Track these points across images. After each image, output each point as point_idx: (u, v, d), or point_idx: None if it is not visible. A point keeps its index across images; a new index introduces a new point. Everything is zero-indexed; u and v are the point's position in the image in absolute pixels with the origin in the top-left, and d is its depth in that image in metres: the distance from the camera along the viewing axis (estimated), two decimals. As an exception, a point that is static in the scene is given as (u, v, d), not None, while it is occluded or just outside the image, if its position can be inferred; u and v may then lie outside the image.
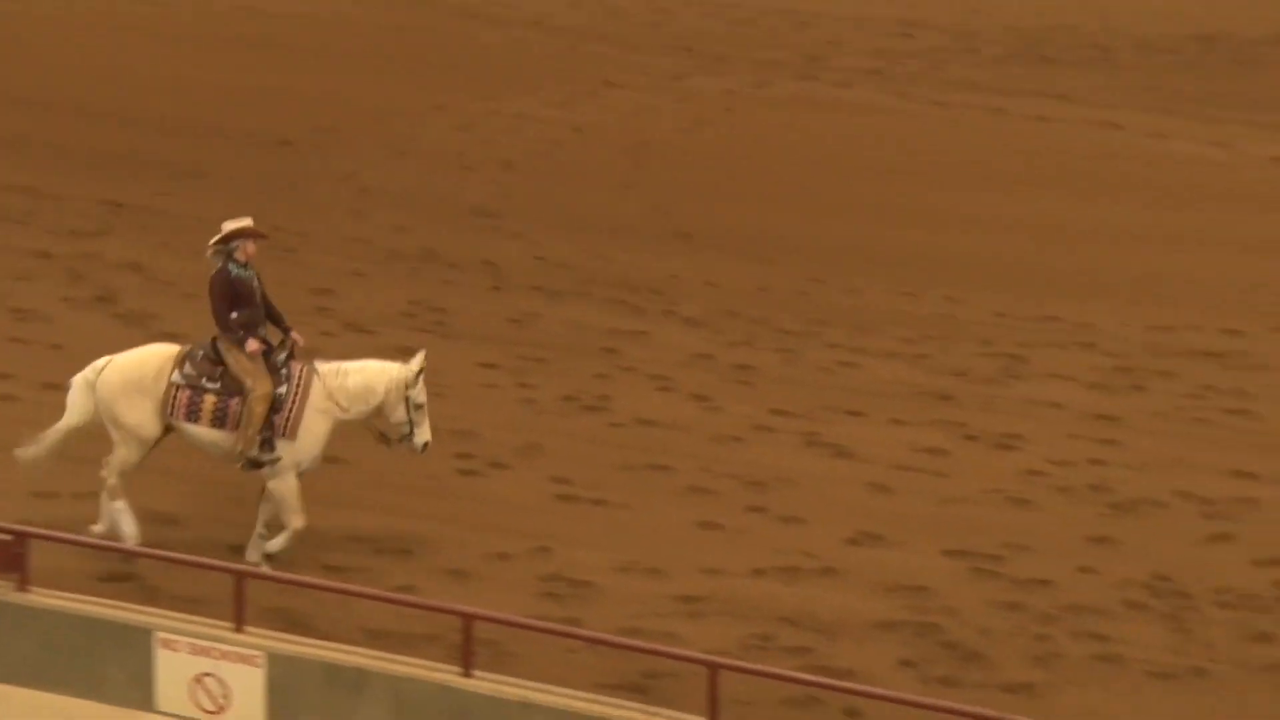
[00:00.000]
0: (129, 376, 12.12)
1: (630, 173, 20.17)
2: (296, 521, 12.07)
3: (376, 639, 11.14)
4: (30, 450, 12.22)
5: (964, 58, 24.09)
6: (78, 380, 12.24)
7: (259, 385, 12.02)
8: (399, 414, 12.12)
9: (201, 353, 12.15)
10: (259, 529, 12.19)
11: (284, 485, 12.08)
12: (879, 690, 10.45)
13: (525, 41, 24.42)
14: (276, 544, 12.10)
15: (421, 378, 12.06)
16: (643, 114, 21.99)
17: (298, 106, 21.43)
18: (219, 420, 12.06)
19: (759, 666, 10.60)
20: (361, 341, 14.91)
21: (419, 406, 12.13)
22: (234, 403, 12.02)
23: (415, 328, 15.85)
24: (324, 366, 12.19)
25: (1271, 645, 11.41)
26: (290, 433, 12.05)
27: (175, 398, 12.08)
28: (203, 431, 12.10)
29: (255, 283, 12.28)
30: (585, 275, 17.35)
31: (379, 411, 12.13)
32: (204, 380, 12.08)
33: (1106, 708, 10.80)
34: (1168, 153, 20.93)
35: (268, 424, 12.01)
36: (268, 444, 12.03)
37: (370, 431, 12.29)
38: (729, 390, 14.89)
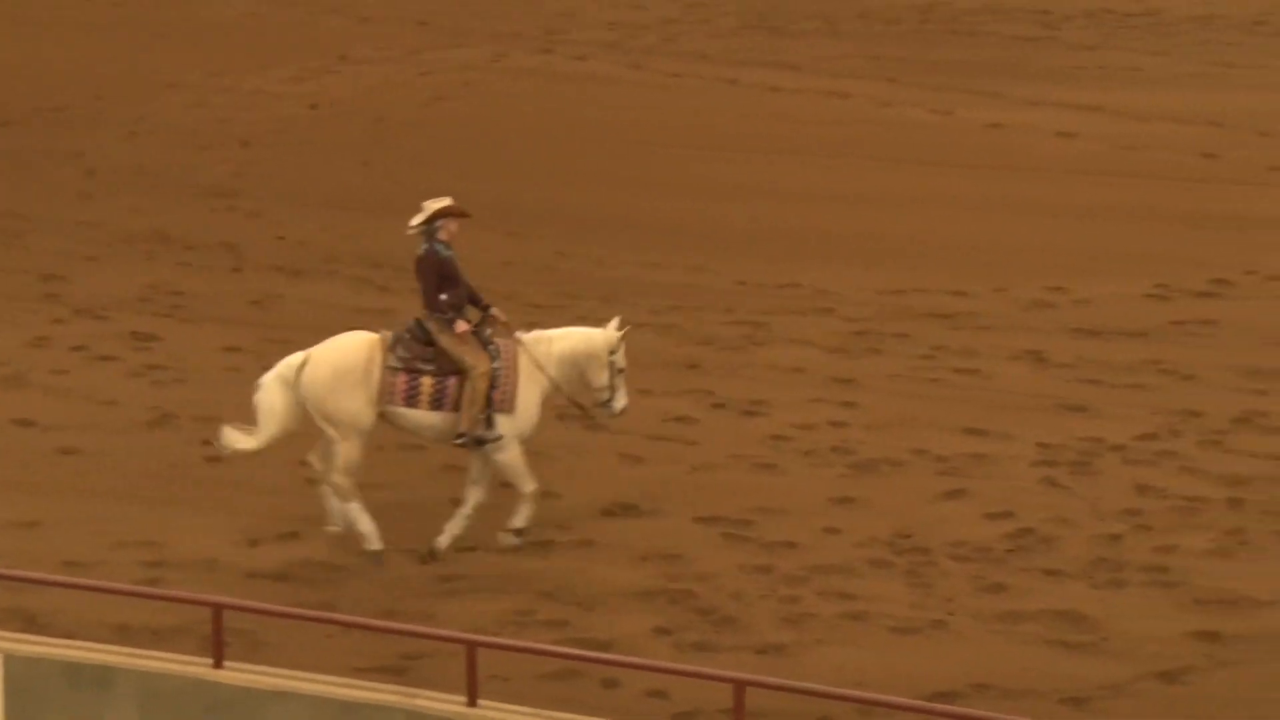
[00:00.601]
0: (339, 368, 11.85)
1: (370, 148, 19.90)
2: (530, 486, 12.08)
3: (124, 635, 10.82)
4: (239, 442, 11.88)
5: (696, 29, 24.21)
6: (270, 381, 11.90)
7: (479, 363, 11.91)
8: (602, 379, 12.17)
9: (409, 335, 11.95)
10: (466, 510, 12.03)
11: (511, 458, 12.04)
12: (634, 660, 10.45)
13: (259, 16, 23.95)
14: (521, 518, 12.09)
15: (623, 342, 12.18)
16: (381, 89, 21.70)
17: (19, 84, 20.74)
18: (438, 402, 11.93)
19: (516, 642, 10.53)
20: (97, 328, 14.54)
21: (620, 371, 12.23)
22: (450, 383, 11.89)
23: (153, 312, 15.47)
24: (527, 337, 12.19)
25: (1004, 595, 11.66)
26: (509, 407, 12.01)
27: (392, 384, 11.85)
28: (421, 415, 11.96)
29: (457, 262, 12.14)
30: (328, 253, 17.08)
31: (583, 377, 12.15)
32: (419, 363, 11.89)
33: (855, 663, 10.95)
34: (893, 119, 21.28)
35: (487, 401, 11.91)
36: (488, 421, 11.92)
37: (568, 399, 12.36)
38: (477, 365, 14.76)
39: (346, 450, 11.88)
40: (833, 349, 15.36)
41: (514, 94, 21.63)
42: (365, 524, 11.91)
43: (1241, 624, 11.35)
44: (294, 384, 11.87)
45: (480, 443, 12.00)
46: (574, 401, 12.43)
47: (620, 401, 12.27)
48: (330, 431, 11.90)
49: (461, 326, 12.00)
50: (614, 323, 12.32)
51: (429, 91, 21.57)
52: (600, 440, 13.54)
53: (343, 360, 11.90)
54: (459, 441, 12.03)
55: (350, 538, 11.95)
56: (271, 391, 11.90)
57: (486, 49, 23.01)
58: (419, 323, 12.00)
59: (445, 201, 12.18)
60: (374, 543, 11.88)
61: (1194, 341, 15.44)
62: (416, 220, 12.12)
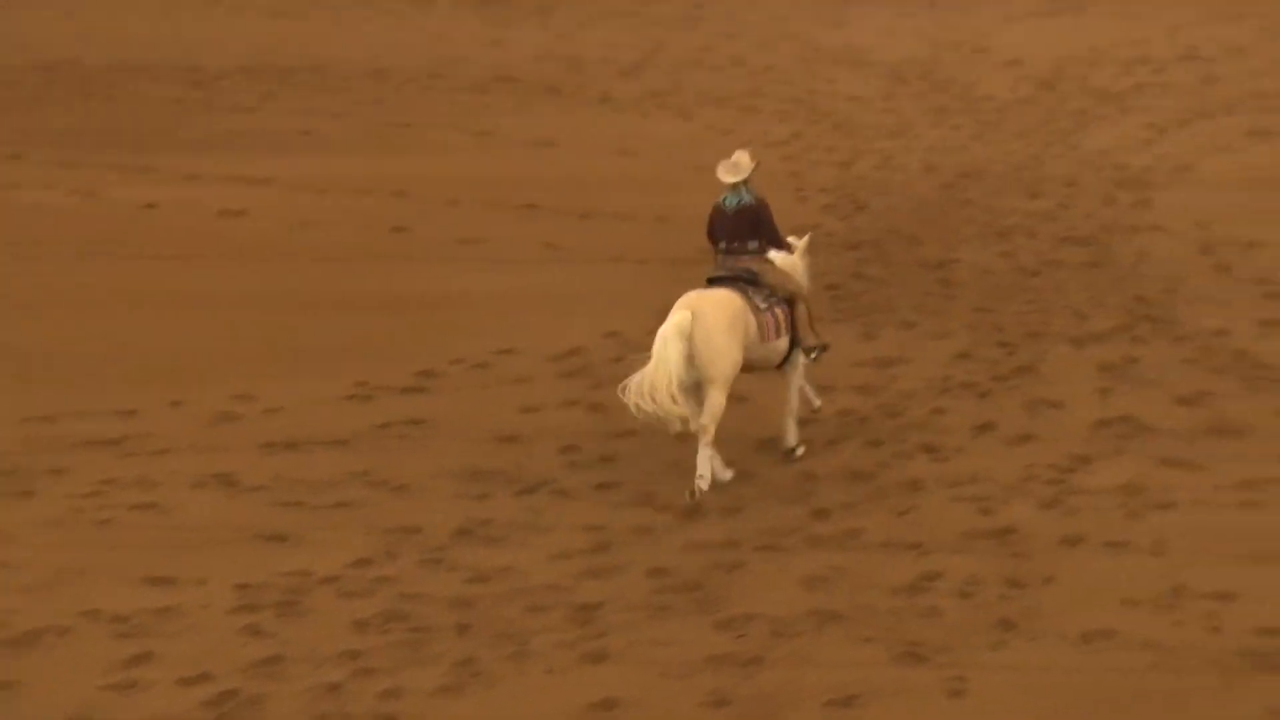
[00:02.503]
0: (731, 317, 13.48)
1: None
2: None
3: None
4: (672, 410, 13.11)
5: None
6: (671, 332, 13.25)
7: (801, 287, 14.24)
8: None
9: (743, 280, 13.88)
10: (792, 418, 14.09)
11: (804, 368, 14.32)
12: None
13: None
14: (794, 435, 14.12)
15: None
16: None
17: None
18: (779, 331, 13.93)
19: None
20: None
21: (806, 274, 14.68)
22: (780, 311, 13.93)
23: None
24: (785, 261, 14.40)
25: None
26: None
27: (762, 323, 13.76)
28: (777, 344, 13.94)
29: None
30: None
31: None
32: (766, 302, 13.87)
33: None
34: (20, 204, 19.47)
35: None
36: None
37: None
38: None
39: (721, 398, 13.45)
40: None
41: None
42: (719, 467, 13.60)
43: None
44: (689, 335, 13.34)
45: (820, 351, 14.18)
46: None
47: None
48: (712, 379, 13.43)
49: (779, 259, 14.25)
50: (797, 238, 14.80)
51: None
52: None
53: (728, 310, 13.53)
54: (813, 357, 14.14)
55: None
56: (671, 345, 13.24)
57: None
58: (743, 268, 13.95)
59: (748, 156, 14.12)
60: (723, 474, 13.62)
61: (404, 446, 14.43)
62: (743, 176, 13.98)
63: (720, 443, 13.58)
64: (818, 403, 14.75)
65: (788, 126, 24.02)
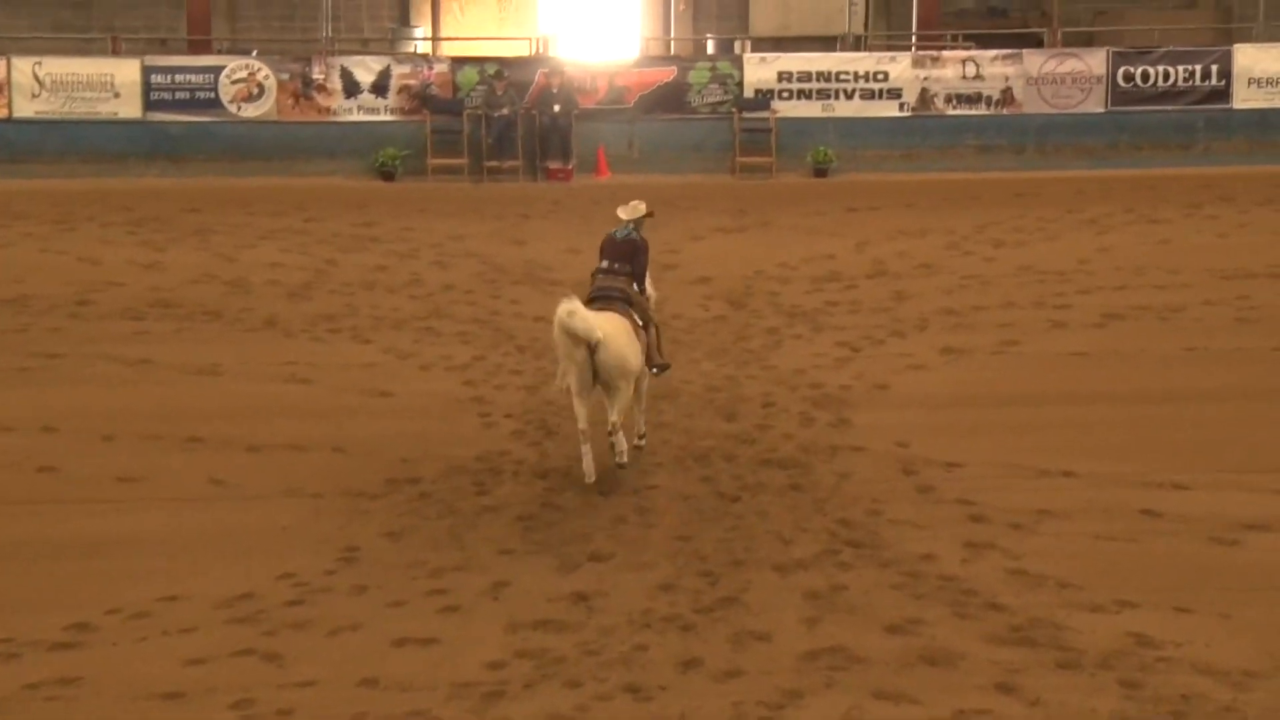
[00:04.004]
0: (628, 330, 17.58)
1: None
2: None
3: None
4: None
5: None
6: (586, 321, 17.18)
7: (654, 315, 18.60)
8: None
9: (618, 300, 17.91)
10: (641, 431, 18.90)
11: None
12: None
13: None
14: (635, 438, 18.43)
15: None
16: None
17: None
18: None
19: None
20: None
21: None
22: (643, 333, 18.01)
23: None
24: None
25: None
26: None
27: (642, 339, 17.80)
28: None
29: None
30: None
31: None
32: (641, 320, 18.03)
33: None
34: None
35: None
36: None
37: None
38: None
39: (625, 398, 17.58)
40: None
41: None
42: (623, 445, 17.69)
43: None
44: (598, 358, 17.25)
45: (664, 370, 18.73)
46: None
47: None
48: (622, 383, 17.41)
49: (649, 291, 18.73)
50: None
51: None
52: None
53: (624, 323, 17.66)
54: (656, 372, 18.51)
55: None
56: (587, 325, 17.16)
57: None
58: (617, 287, 18.05)
59: (645, 207, 18.71)
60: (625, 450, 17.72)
61: (53, 710, 13.72)
62: (628, 216, 18.46)
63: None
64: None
65: (470, 349, 23.95)
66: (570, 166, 39.46)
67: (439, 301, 26.91)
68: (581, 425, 17.49)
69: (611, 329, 17.24)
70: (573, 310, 17.04)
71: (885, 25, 46.49)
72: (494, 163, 39.22)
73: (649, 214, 18.66)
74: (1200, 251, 30.25)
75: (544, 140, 39.39)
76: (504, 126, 39.10)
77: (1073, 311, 25.96)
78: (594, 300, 17.80)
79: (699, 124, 40.02)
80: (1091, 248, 30.72)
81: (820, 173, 39.56)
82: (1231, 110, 40.49)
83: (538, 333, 24.68)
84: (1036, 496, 17.92)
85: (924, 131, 40.33)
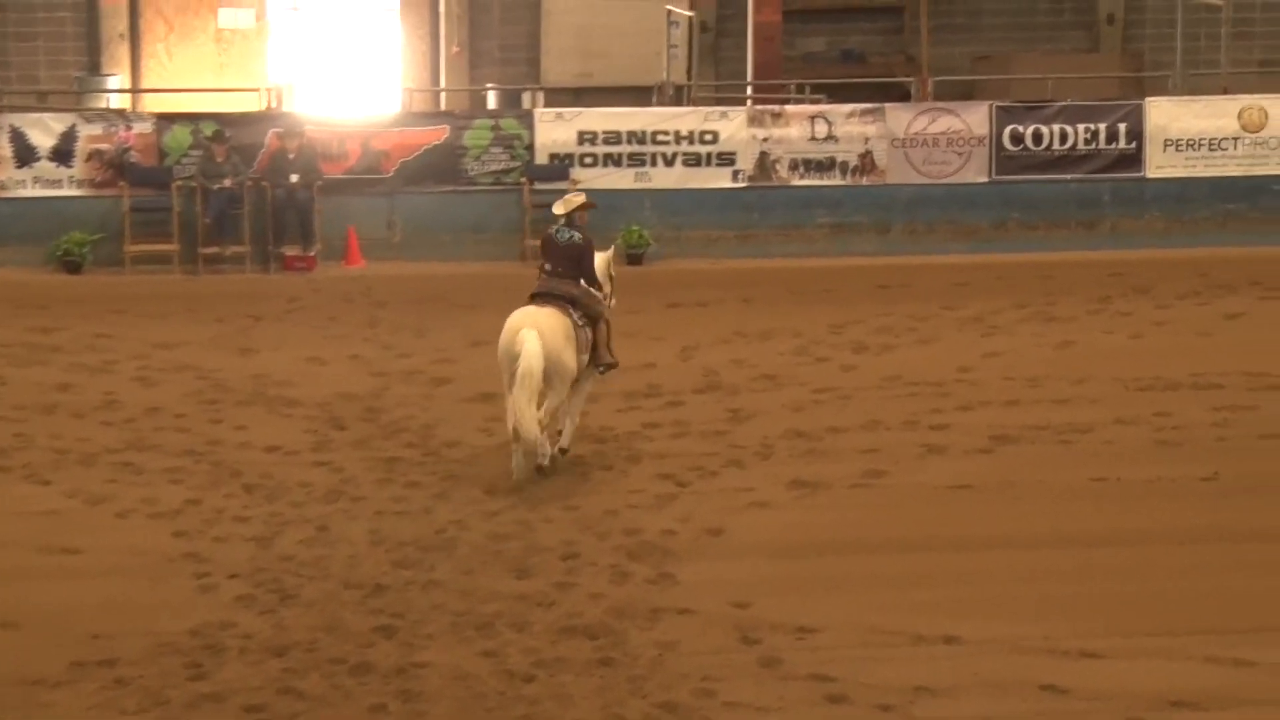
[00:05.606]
0: (565, 329, 22.82)
1: None
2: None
3: None
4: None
5: None
6: (533, 359, 22.10)
7: (606, 312, 23.73)
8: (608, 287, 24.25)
9: (566, 300, 23.07)
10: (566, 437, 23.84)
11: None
12: None
13: None
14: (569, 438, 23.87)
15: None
16: None
17: None
18: (583, 349, 23.23)
19: None
20: None
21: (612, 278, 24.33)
22: (587, 333, 23.25)
23: None
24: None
25: None
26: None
27: (581, 340, 23.06)
28: (581, 359, 23.13)
29: None
30: None
31: None
32: (582, 320, 23.23)
33: None
34: None
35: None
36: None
37: None
38: None
39: (556, 400, 22.80)
40: None
41: None
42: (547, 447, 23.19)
43: None
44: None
45: (610, 368, 23.83)
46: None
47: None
48: (556, 384, 22.55)
49: (606, 287, 23.85)
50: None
51: None
52: None
53: (561, 323, 22.66)
54: (602, 371, 23.73)
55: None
56: (537, 366, 22.10)
57: None
58: (564, 290, 23.06)
59: (583, 197, 23.64)
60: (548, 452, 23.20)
61: None
62: (561, 209, 23.27)
63: None
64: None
65: (182, 490, 23.70)
66: (312, 253, 39.40)
67: (141, 429, 26.66)
68: (511, 426, 22.31)
69: (547, 325, 22.32)
70: (532, 349, 22.21)
71: (713, 73, 46.99)
72: (213, 249, 39.07)
73: (589, 205, 23.62)
74: (1109, 357, 30.72)
75: (278, 219, 39.31)
76: (225, 202, 38.99)
77: (952, 433, 26.20)
78: (536, 297, 22.93)
79: (478, 198, 40.16)
80: (975, 353, 31.09)
81: (634, 259, 39.73)
82: (1144, 180, 41.30)
83: (270, 467, 24.50)
84: (911, 669, 18.00)
85: (764, 206, 40.76)
